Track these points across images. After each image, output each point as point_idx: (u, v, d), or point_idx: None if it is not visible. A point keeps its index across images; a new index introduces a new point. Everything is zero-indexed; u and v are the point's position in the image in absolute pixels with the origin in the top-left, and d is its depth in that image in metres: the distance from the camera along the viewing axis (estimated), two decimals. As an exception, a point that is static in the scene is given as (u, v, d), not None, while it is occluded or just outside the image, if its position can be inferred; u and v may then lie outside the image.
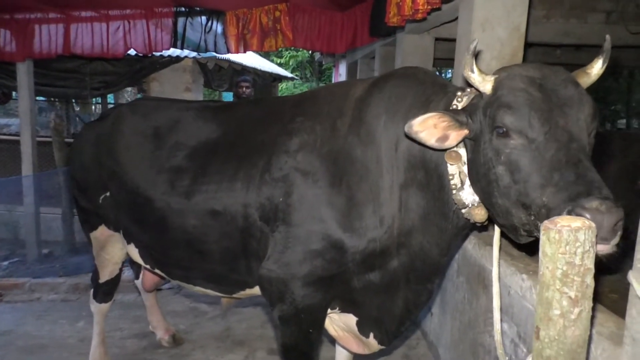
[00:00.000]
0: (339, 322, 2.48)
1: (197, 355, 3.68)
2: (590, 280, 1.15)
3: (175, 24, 5.53)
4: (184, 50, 6.33)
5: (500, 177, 1.60)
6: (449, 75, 15.54)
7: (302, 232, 2.11)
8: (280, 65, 18.47)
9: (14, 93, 8.68)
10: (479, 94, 1.74)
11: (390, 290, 2.18)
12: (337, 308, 2.34)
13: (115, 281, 3.32)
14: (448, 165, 1.85)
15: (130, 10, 5.47)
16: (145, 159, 2.63)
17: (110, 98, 11.66)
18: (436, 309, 3.55)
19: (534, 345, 1.24)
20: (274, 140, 2.28)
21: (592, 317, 1.20)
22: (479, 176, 1.72)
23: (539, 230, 1.29)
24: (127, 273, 4.24)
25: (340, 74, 11.64)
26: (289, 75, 15.87)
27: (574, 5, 5.21)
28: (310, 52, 17.10)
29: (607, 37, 1.73)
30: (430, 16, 3.73)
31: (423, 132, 1.72)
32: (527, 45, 3.14)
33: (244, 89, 6.34)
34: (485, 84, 1.67)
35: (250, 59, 10.85)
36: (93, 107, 12.77)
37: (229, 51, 5.63)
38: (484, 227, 2.06)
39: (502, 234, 1.85)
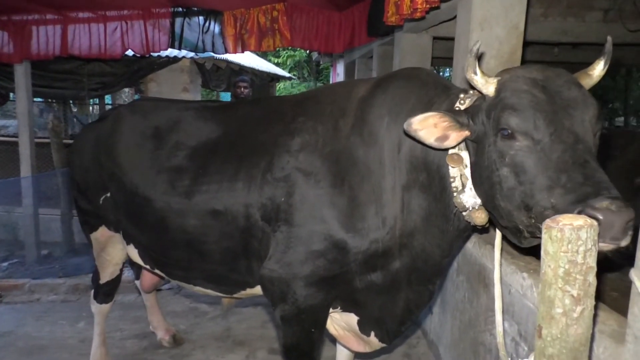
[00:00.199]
0: (340, 322, 2.48)
1: (198, 355, 3.68)
2: (592, 279, 1.16)
3: (172, 24, 5.52)
4: (182, 50, 6.31)
5: (504, 179, 1.60)
6: (447, 75, 15.56)
7: (304, 232, 2.11)
8: (277, 65, 18.47)
9: (11, 94, 8.66)
10: (482, 96, 1.74)
11: (391, 291, 2.19)
12: (339, 307, 2.34)
13: (116, 282, 3.31)
14: (449, 167, 1.85)
15: (127, 11, 5.46)
16: (145, 159, 2.63)
17: (107, 99, 11.64)
18: (436, 308, 3.55)
19: (536, 344, 1.24)
20: (275, 140, 2.28)
21: (595, 316, 1.20)
22: (481, 178, 1.72)
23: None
24: (128, 273, 4.24)
25: (338, 73, 11.64)
26: (287, 75, 15.85)
27: (572, 3, 5.22)
28: (307, 51, 17.10)
29: (609, 38, 1.73)
30: (429, 15, 3.73)
31: (422, 130, 1.72)
32: (525, 44, 3.14)
33: (242, 89, 6.33)
34: (488, 86, 1.67)
35: (248, 59, 10.84)
36: (90, 108, 12.74)
37: (226, 51, 5.62)
38: (484, 230, 2.06)
39: (504, 238, 1.85)
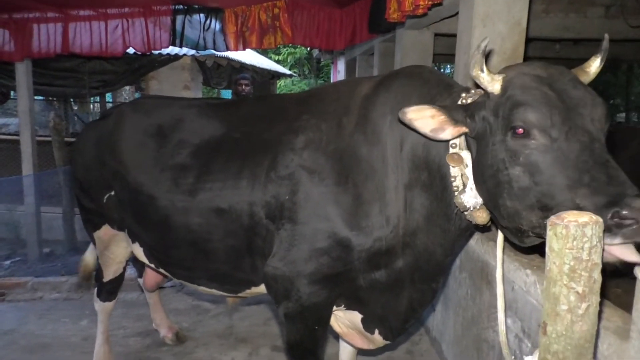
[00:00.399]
0: (344, 319, 2.48)
1: (201, 352, 3.68)
2: (597, 275, 1.15)
3: (173, 22, 5.52)
4: (183, 48, 6.31)
5: (515, 179, 1.56)
6: (447, 71, 15.54)
7: (308, 230, 2.11)
8: (278, 62, 18.46)
9: (12, 92, 8.67)
10: (485, 93, 1.72)
11: (395, 289, 2.19)
12: (343, 305, 2.34)
13: (119, 280, 3.32)
14: (450, 167, 1.84)
15: (128, 8, 5.47)
16: (149, 157, 2.62)
17: (108, 97, 11.64)
18: (439, 305, 3.56)
19: (540, 341, 1.24)
20: (279, 138, 2.28)
21: (599, 312, 1.20)
22: (485, 177, 1.70)
23: None
24: (131, 271, 4.25)
25: (339, 70, 11.63)
26: (287, 72, 15.86)
27: (573, -1, 5.22)
28: (308, 48, 17.08)
29: (606, 36, 1.72)
30: (431, 12, 3.73)
31: (418, 120, 1.72)
32: (527, 40, 3.14)
33: (243, 86, 6.33)
34: (493, 84, 1.65)
35: (249, 57, 10.84)
36: (91, 106, 12.74)
37: (228, 49, 5.62)
38: (486, 229, 2.05)
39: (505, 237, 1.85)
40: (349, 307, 2.35)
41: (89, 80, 7.83)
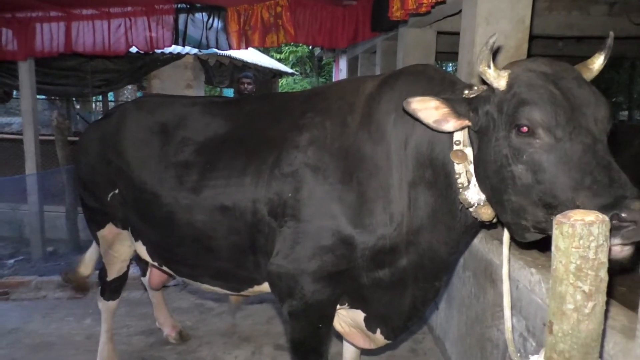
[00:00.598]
0: (346, 318, 2.48)
1: (204, 351, 3.69)
2: (604, 274, 1.15)
3: (176, 20, 5.52)
4: (185, 47, 6.31)
5: (519, 176, 1.57)
6: (449, 69, 15.50)
7: (312, 227, 2.11)
8: (280, 60, 18.46)
9: (14, 92, 8.69)
10: (489, 88, 1.72)
11: (398, 288, 2.19)
12: (347, 304, 2.34)
13: (123, 279, 3.32)
14: (455, 164, 1.85)
15: (131, 7, 5.47)
16: (153, 155, 2.62)
17: (110, 96, 11.66)
18: (443, 304, 3.56)
19: (547, 340, 1.24)
20: (283, 135, 2.27)
21: (605, 311, 1.20)
22: (487, 173, 1.70)
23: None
24: (134, 270, 4.25)
25: (341, 69, 11.62)
26: (289, 70, 15.86)
27: (577, -4, 5.20)
28: (310, 47, 17.07)
29: (611, 33, 1.73)
30: (434, 10, 3.72)
31: (422, 111, 1.73)
32: (530, 38, 3.13)
33: (246, 85, 6.34)
34: (499, 80, 1.65)
35: (251, 55, 10.85)
36: (94, 105, 12.77)
37: (230, 48, 5.62)
38: (492, 225, 2.06)
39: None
40: (352, 306, 2.35)
41: (92, 79, 7.85)
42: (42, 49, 5.66)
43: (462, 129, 1.79)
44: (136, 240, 2.86)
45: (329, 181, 2.11)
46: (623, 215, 1.34)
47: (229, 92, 13.51)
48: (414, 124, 1.98)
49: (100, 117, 3.63)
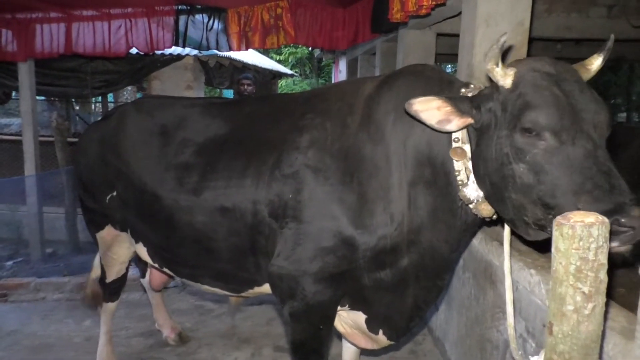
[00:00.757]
0: (347, 319, 2.48)
1: (204, 353, 3.69)
2: (603, 276, 1.16)
3: (176, 22, 5.53)
4: (185, 48, 6.32)
5: (519, 175, 1.60)
6: (449, 71, 15.52)
7: (313, 228, 2.11)
8: (279, 62, 18.46)
9: (14, 93, 8.69)
10: (492, 86, 1.73)
11: (400, 288, 2.19)
12: (347, 305, 2.34)
13: (122, 280, 3.32)
14: (454, 161, 1.86)
15: (131, 9, 5.47)
16: (152, 156, 2.62)
17: (110, 97, 11.65)
18: (442, 305, 3.56)
19: (547, 341, 1.24)
20: (283, 137, 2.28)
21: (605, 312, 1.20)
22: (487, 170, 1.72)
23: None
24: (133, 271, 4.24)
25: (340, 70, 11.63)
26: (289, 72, 15.87)
27: (576, -1, 5.21)
28: (309, 48, 17.08)
29: (612, 36, 1.75)
30: (434, 12, 3.72)
31: (424, 112, 1.73)
32: (529, 40, 3.14)
33: (246, 86, 6.34)
34: (505, 78, 1.66)
35: (250, 56, 10.86)
36: (93, 106, 12.76)
37: (230, 49, 5.63)
38: (493, 222, 2.06)
39: (513, 231, 1.86)
40: (353, 307, 2.35)
41: (92, 80, 7.84)
42: (42, 50, 5.66)
43: (464, 127, 1.79)
44: (136, 241, 2.86)
45: (330, 182, 2.11)
46: (623, 220, 1.38)
47: (229, 93, 13.53)
48: (413, 124, 1.99)
49: (99, 118, 3.63)
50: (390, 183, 2.05)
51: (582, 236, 1.13)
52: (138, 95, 11.81)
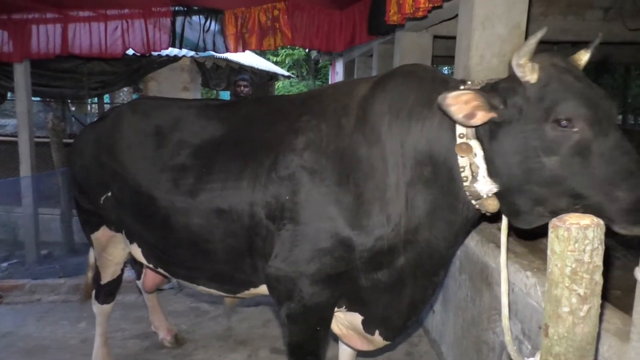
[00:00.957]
0: (344, 321, 2.48)
1: (200, 355, 3.68)
2: (599, 278, 1.16)
3: (173, 23, 5.52)
4: (182, 49, 6.31)
5: (550, 167, 1.63)
6: (445, 73, 15.54)
7: (310, 230, 2.11)
8: (276, 63, 18.46)
9: (9, 93, 8.66)
10: (514, 80, 1.73)
11: (397, 288, 2.19)
12: (344, 307, 2.34)
13: (117, 282, 3.31)
14: (458, 157, 1.87)
15: (128, 10, 5.46)
16: (148, 158, 2.62)
17: (106, 98, 11.62)
18: (439, 307, 3.56)
19: (542, 343, 1.25)
20: (280, 138, 2.28)
21: (600, 314, 1.20)
22: (508, 163, 1.73)
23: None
24: (129, 273, 4.23)
25: (337, 72, 11.65)
26: (286, 73, 15.86)
27: (572, 2, 5.24)
28: (306, 50, 17.09)
29: (600, 34, 1.81)
30: (430, 14, 3.73)
31: (454, 106, 1.73)
32: (526, 43, 3.16)
33: (242, 87, 6.33)
34: (533, 74, 1.68)
35: (247, 58, 10.85)
36: (89, 107, 12.72)
37: (227, 50, 5.62)
38: (492, 217, 2.07)
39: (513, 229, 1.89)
40: (350, 309, 2.35)
41: (88, 81, 7.82)
42: (38, 50, 5.64)
43: (486, 122, 1.78)
44: (131, 242, 2.85)
45: (326, 183, 2.11)
46: None
47: (226, 95, 13.51)
48: (409, 125, 2.00)
49: (95, 120, 3.62)
50: (387, 184, 2.05)
51: (577, 238, 1.14)
52: (134, 96, 11.79)
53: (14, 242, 6.55)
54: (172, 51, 7.39)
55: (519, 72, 1.68)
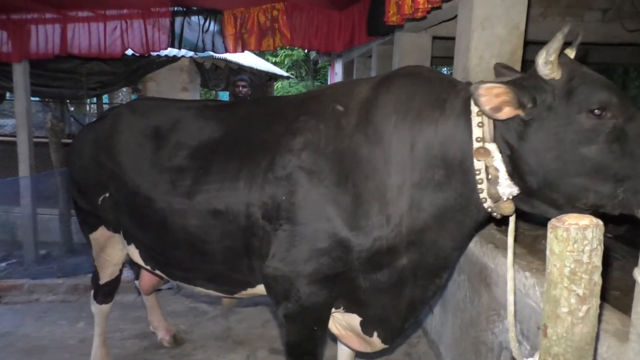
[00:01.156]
0: (342, 322, 2.48)
1: (199, 355, 3.68)
2: (597, 278, 1.16)
3: (172, 23, 5.50)
4: (181, 50, 6.30)
5: (591, 157, 1.68)
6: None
7: (308, 230, 2.11)
8: (275, 64, 18.45)
9: (8, 93, 8.64)
10: (537, 78, 1.75)
11: (397, 287, 2.19)
12: (342, 308, 2.34)
13: (115, 282, 3.31)
14: (474, 161, 1.88)
15: (127, 10, 5.44)
16: (146, 159, 2.62)
17: (105, 98, 11.61)
18: (437, 308, 3.56)
19: (541, 343, 1.24)
20: (277, 139, 2.27)
21: (599, 315, 1.20)
22: (542, 161, 1.75)
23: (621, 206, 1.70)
24: (127, 273, 4.23)
25: (336, 72, 11.64)
26: (285, 74, 15.86)
27: (571, 3, 5.24)
28: (305, 50, 17.09)
29: (579, 34, 1.89)
30: (429, 15, 3.73)
31: (485, 96, 1.74)
32: (525, 43, 3.16)
33: (241, 88, 6.33)
34: (558, 70, 1.72)
35: (246, 58, 10.84)
36: (88, 107, 12.71)
37: (226, 51, 5.61)
38: (501, 220, 2.08)
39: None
40: (348, 310, 2.35)
41: (87, 81, 7.80)
42: (37, 50, 5.62)
43: (510, 118, 1.79)
44: (129, 243, 2.85)
45: (324, 184, 2.10)
46: None
47: (225, 95, 13.51)
48: (420, 126, 2.00)
49: (94, 120, 3.62)
50: (388, 184, 2.04)
51: (576, 239, 1.14)
52: (133, 96, 11.79)
53: (13, 242, 6.53)
54: (171, 51, 7.37)
55: (545, 70, 1.71)
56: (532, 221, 3.12)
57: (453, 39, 3.46)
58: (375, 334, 2.36)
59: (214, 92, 13.39)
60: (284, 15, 5.32)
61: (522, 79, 1.85)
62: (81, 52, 5.63)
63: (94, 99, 11.15)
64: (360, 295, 2.23)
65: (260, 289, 2.43)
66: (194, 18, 5.56)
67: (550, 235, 1.19)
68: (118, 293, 3.49)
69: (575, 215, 1.20)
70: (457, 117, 1.94)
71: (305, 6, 5.39)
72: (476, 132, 1.87)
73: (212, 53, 6.21)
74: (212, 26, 5.52)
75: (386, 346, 2.44)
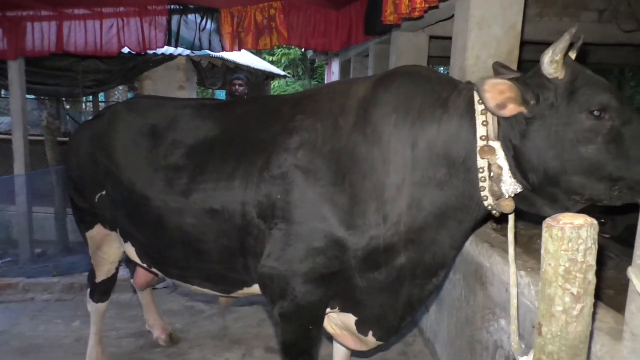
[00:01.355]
0: (337, 321, 2.48)
1: (195, 354, 3.67)
2: (592, 277, 1.17)
3: (169, 22, 5.49)
4: (178, 48, 6.29)
5: (588, 156, 1.72)
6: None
7: (303, 229, 2.11)
8: (272, 62, 18.46)
9: (3, 91, 8.60)
10: (542, 77, 1.77)
11: (394, 286, 2.19)
12: (337, 308, 2.34)
13: (111, 280, 3.30)
14: (478, 159, 1.89)
15: (123, 8, 5.43)
16: (142, 157, 2.61)
17: (101, 96, 11.58)
18: (433, 306, 3.57)
19: (535, 341, 1.25)
20: (273, 138, 2.27)
21: (593, 313, 1.21)
22: (543, 158, 1.78)
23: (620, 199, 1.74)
24: (124, 272, 4.22)
25: (333, 72, 11.63)
26: (281, 73, 15.87)
27: (567, 3, 5.25)
28: (302, 49, 17.09)
29: (582, 36, 1.91)
30: (426, 14, 3.73)
31: (489, 93, 1.76)
32: (521, 43, 3.17)
33: (237, 86, 6.33)
34: (562, 70, 1.74)
35: (243, 57, 10.83)
36: (84, 105, 12.67)
37: (223, 49, 5.61)
38: (500, 218, 2.10)
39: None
40: (343, 310, 2.35)
41: (83, 79, 7.78)
42: (32, 48, 5.60)
43: (513, 115, 1.81)
44: (125, 241, 2.84)
45: (320, 183, 2.10)
46: None
47: (221, 94, 13.50)
48: (422, 125, 2.00)
49: (90, 118, 3.61)
50: (387, 183, 2.04)
51: (571, 238, 1.14)
52: (129, 95, 11.74)
53: (8, 240, 6.50)
54: (168, 50, 7.35)
55: (550, 69, 1.73)
56: (528, 220, 3.13)
57: (450, 38, 3.46)
58: (370, 332, 2.36)
59: (210, 90, 13.36)
60: (281, 14, 5.31)
61: (525, 76, 1.87)
62: (77, 49, 5.61)
63: (90, 97, 11.10)
64: (356, 295, 2.23)
65: (256, 288, 2.42)
66: (191, 16, 5.55)
67: (545, 234, 1.19)
68: (114, 291, 3.47)
69: (570, 214, 1.21)
70: (461, 116, 1.95)
71: (302, 5, 5.38)
72: (480, 131, 1.88)
73: (208, 51, 6.21)
74: (209, 24, 5.52)
75: (381, 343, 2.45)
